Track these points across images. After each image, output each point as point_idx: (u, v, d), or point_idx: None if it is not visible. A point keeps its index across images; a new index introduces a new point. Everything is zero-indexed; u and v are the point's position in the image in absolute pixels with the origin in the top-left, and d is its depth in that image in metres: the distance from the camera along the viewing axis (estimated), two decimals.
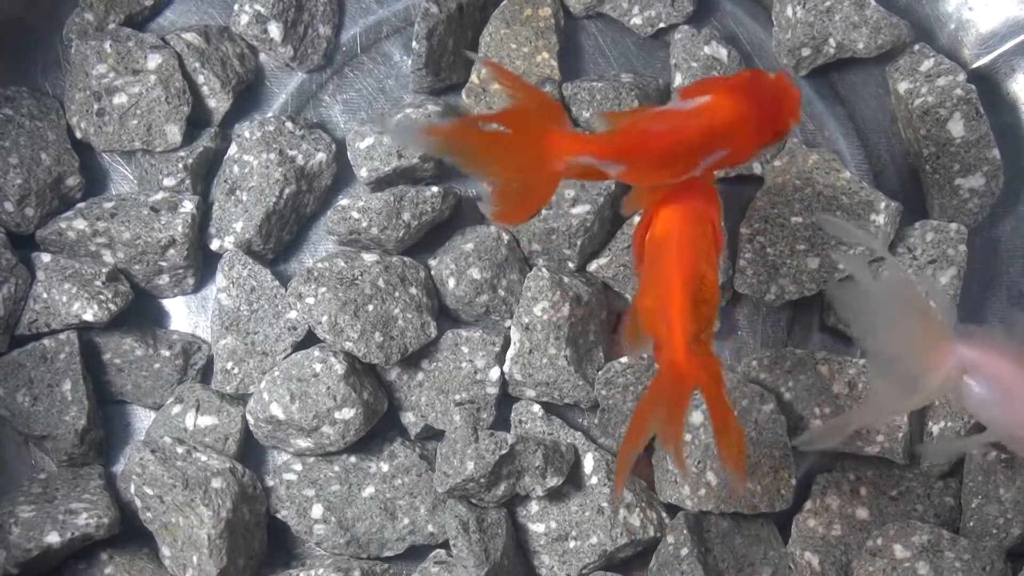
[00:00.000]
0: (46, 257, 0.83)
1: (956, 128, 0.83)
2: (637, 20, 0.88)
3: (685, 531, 0.79)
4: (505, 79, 0.63)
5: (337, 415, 0.79)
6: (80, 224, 0.83)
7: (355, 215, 0.81)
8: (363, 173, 0.84)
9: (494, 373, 0.82)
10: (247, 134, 0.84)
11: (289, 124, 0.85)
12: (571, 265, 0.84)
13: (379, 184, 0.84)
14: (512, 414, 0.83)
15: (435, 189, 0.82)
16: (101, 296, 0.81)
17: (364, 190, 0.86)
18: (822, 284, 0.83)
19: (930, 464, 0.83)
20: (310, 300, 0.79)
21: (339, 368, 0.79)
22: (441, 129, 0.62)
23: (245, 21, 0.86)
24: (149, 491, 0.78)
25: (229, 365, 0.83)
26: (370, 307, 0.80)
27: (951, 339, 0.62)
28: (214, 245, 0.85)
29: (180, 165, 0.85)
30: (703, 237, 0.66)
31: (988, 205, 0.85)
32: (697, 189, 0.67)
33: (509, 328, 0.82)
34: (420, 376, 0.83)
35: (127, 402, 0.85)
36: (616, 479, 0.69)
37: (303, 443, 0.81)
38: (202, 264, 0.86)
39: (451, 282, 0.82)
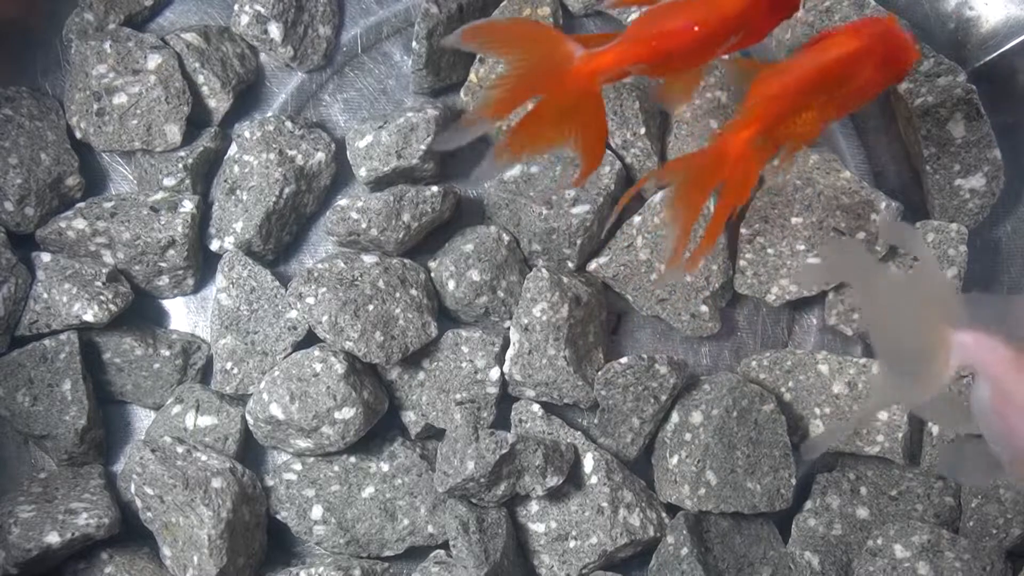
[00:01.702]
0: (46, 257, 0.83)
1: (956, 128, 0.83)
2: (636, 18, 0.88)
3: (685, 531, 0.79)
4: (489, 42, 0.63)
5: (337, 415, 0.79)
6: (80, 224, 0.83)
7: (354, 215, 0.81)
8: (362, 173, 0.84)
9: (494, 373, 0.82)
10: (247, 134, 0.84)
11: (289, 124, 0.85)
12: (571, 264, 0.84)
13: (378, 184, 0.84)
14: (512, 414, 0.83)
15: (435, 189, 0.82)
16: (101, 296, 0.81)
17: (363, 190, 0.86)
18: (823, 285, 0.83)
19: (930, 466, 0.83)
20: (310, 300, 0.79)
21: (339, 368, 0.79)
22: (478, 114, 0.63)
23: (245, 21, 0.86)
24: (149, 491, 0.78)
25: (229, 365, 0.83)
26: (370, 307, 0.80)
27: (960, 332, 0.61)
28: (214, 245, 0.85)
29: (180, 165, 0.85)
30: (850, 78, 0.66)
31: (989, 205, 0.85)
32: (889, 36, 0.67)
33: (508, 329, 0.82)
34: (421, 375, 0.83)
35: (127, 402, 0.85)
36: (672, 258, 0.68)
37: (303, 443, 0.81)
38: (202, 264, 0.86)
39: (451, 284, 0.82)
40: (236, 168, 0.84)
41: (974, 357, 0.60)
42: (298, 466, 0.82)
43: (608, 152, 0.84)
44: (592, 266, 0.84)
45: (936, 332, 0.60)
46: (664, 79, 0.69)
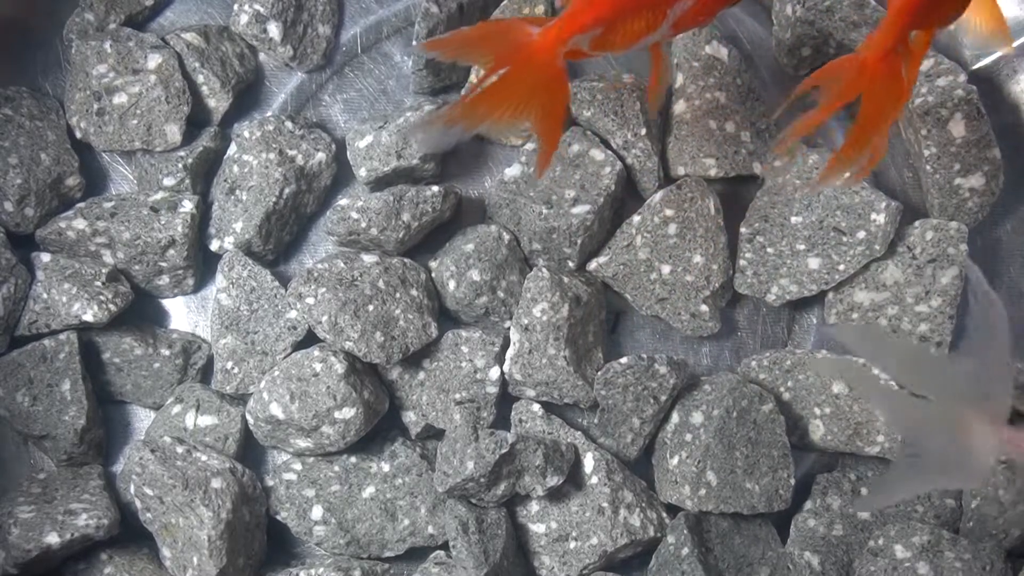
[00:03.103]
0: (46, 257, 0.83)
1: (957, 128, 0.83)
2: None
3: (685, 531, 0.79)
4: (451, 46, 0.63)
5: (337, 415, 0.79)
6: (80, 224, 0.83)
7: (354, 215, 0.81)
8: (362, 173, 0.84)
9: (494, 372, 0.82)
10: (247, 134, 0.84)
11: (289, 124, 0.85)
12: (571, 264, 0.84)
13: (378, 184, 0.84)
14: (512, 413, 0.83)
15: (435, 189, 0.82)
16: (101, 296, 0.81)
17: (363, 190, 0.86)
18: (823, 284, 0.83)
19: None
20: (310, 300, 0.79)
21: (339, 368, 0.79)
22: (442, 116, 0.63)
23: (245, 21, 0.86)
24: (149, 491, 0.78)
25: (229, 365, 0.83)
26: (370, 307, 0.80)
27: (996, 422, 0.61)
28: (214, 245, 0.85)
29: (180, 165, 0.85)
30: None
31: (988, 205, 0.85)
32: None
33: (508, 329, 0.82)
34: (421, 375, 0.83)
35: (127, 402, 0.85)
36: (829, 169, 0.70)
37: (303, 443, 0.81)
38: (202, 264, 0.86)
39: (451, 284, 0.82)
40: (236, 168, 0.84)
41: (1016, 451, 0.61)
42: (298, 466, 0.82)
43: (609, 152, 0.84)
44: (592, 265, 0.84)
45: (978, 426, 0.61)
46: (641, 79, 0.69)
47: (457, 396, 0.82)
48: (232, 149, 0.85)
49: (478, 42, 0.64)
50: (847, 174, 0.68)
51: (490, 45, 0.63)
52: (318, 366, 0.79)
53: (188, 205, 0.83)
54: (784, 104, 0.71)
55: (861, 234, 0.82)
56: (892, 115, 0.67)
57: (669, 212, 0.84)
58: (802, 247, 0.83)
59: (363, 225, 0.81)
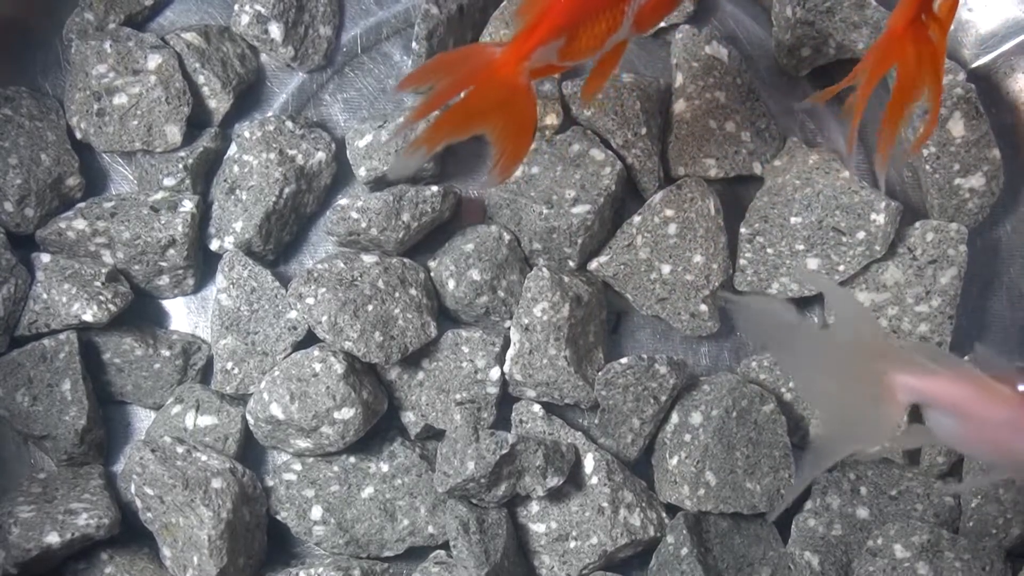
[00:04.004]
0: (46, 257, 0.83)
1: (956, 128, 0.83)
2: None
3: (685, 531, 0.79)
4: (419, 80, 0.64)
5: (337, 415, 0.79)
6: (80, 224, 0.83)
7: (354, 215, 0.81)
8: (362, 172, 0.84)
9: (494, 373, 0.82)
10: (247, 134, 0.84)
11: (289, 123, 0.85)
12: (572, 264, 0.84)
13: (378, 184, 0.84)
14: (512, 414, 0.83)
15: (435, 189, 0.82)
16: (101, 296, 0.81)
17: (363, 190, 0.86)
18: (826, 278, 0.83)
19: (929, 466, 0.83)
20: (310, 300, 0.79)
21: (339, 368, 0.79)
22: (409, 144, 0.64)
23: (246, 21, 0.86)
24: (149, 491, 0.78)
25: (229, 365, 0.83)
26: (370, 307, 0.80)
27: (903, 374, 0.61)
28: (214, 245, 0.85)
29: (180, 165, 0.85)
30: None
31: (988, 205, 0.85)
32: None
33: (509, 329, 0.82)
34: (420, 376, 0.83)
35: (127, 402, 0.85)
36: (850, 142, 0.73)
37: (303, 443, 0.81)
38: (202, 264, 0.86)
39: (451, 284, 0.82)
40: (236, 168, 0.84)
41: (924, 395, 0.60)
42: (298, 466, 0.82)
43: (609, 152, 0.84)
44: (592, 265, 0.84)
45: (877, 379, 0.61)
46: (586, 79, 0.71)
47: (457, 396, 0.82)
48: (232, 149, 0.85)
49: (444, 69, 0.64)
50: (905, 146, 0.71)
51: (454, 69, 0.64)
52: (318, 366, 0.79)
53: (188, 205, 0.83)
54: (827, 93, 0.73)
55: (861, 234, 0.82)
56: (933, 77, 0.69)
57: (669, 212, 0.84)
58: (802, 247, 0.83)
59: (363, 225, 0.81)
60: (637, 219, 0.84)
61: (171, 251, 0.83)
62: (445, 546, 0.81)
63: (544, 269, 0.81)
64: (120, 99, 0.84)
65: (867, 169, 0.88)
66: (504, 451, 0.77)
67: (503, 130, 0.65)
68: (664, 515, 0.82)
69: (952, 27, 0.88)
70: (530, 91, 0.65)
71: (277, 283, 0.83)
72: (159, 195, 0.84)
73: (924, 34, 0.68)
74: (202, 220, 0.85)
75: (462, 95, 0.63)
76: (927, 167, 0.85)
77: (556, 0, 0.63)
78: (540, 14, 0.63)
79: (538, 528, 0.81)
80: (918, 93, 0.69)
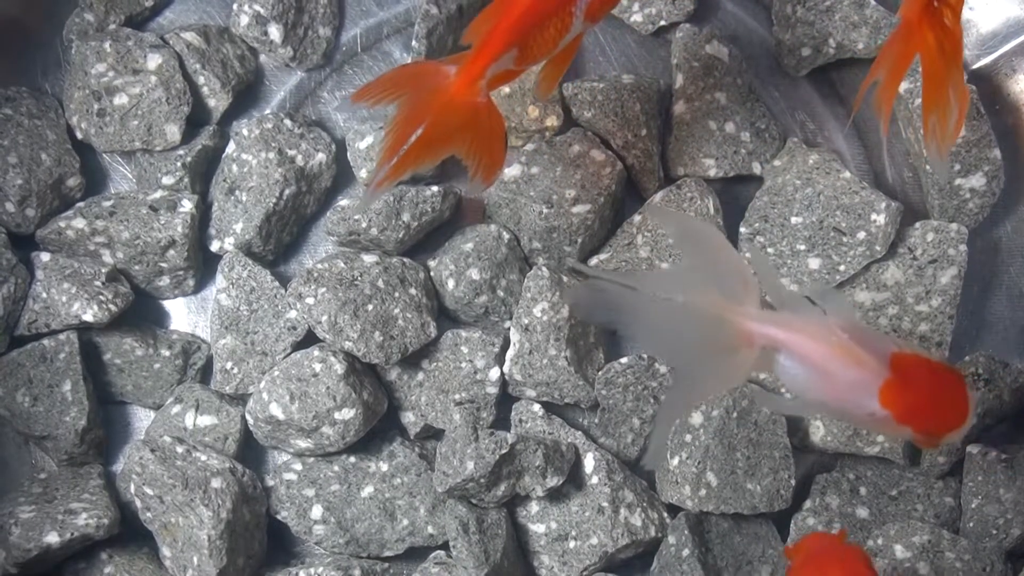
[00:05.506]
0: (45, 257, 0.83)
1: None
2: (638, 17, 0.88)
3: (687, 531, 0.79)
4: (371, 95, 0.65)
5: (337, 415, 0.79)
6: (79, 223, 0.83)
7: (355, 216, 0.81)
8: (363, 174, 0.84)
9: (494, 373, 0.82)
10: (245, 132, 0.84)
11: (288, 122, 0.85)
12: (571, 263, 0.84)
13: None
14: (512, 413, 0.83)
15: (435, 189, 0.82)
16: (101, 296, 0.81)
17: (364, 191, 0.86)
18: (823, 284, 0.83)
19: (930, 465, 0.83)
20: (310, 300, 0.79)
21: (339, 368, 0.79)
22: (378, 179, 0.64)
23: (245, 22, 0.86)
24: (149, 491, 0.78)
25: (229, 365, 0.83)
26: (370, 307, 0.80)
27: (760, 322, 0.62)
28: (214, 246, 0.85)
29: (179, 164, 0.85)
30: None
31: (989, 205, 0.85)
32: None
33: (508, 329, 0.82)
34: (420, 376, 0.83)
35: (127, 402, 0.85)
36: (882, 116, 0.71)
37: (303, 443, 0.81)
38: (202, 265, 0.86)
39: (450, 283, 0.82)
40: (235, 167, 0.84)
41: (781, 344, 0.62)
42: (298, 466, 0.82)
43: (609, 153, 0.84)
44: (593, 262, 0.84)
45: (728, 324, 0.62)
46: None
47: (457, 396, 0.82)
48: (231, 147, 0.85)
49: (396, 87, 0.65)
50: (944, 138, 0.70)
51: (407, 88, 0.64)
52: (318, 366, 0.79)
53: (187, 205, 0.83)
54: (857, 100, 0.72)
55: (861, 235, 0.82)
56: (955, 63, 0.69)
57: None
58: (802, 247, 0.83)
59: (363, 225, 0.81)
60: (637, 218, 0.84)
61: (171, 252, 0.83)
62: (445, 546, 0.81)
63: (544, 268, 0.81)
64: (120, 99, 0.84)
65: (867, 169, 0.88)
66: (504, 451, 0.77)
67: (472, 147, 0.66)
68: (665, 515, 0.82)
69: None
70: (490, 105, 0.65)
71: (277, 283, 0.83)
72: (158, 194, 0.84)
73: (940, 20, 0.68)
74: (202, 220, 0.85)
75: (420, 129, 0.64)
76: (927, 167, 0.85)
77: (504, 17, 0.64)
78: (488, 34, 0.64)
79: (538, 528, 0.81)
80: (948, 77, 0.69)
